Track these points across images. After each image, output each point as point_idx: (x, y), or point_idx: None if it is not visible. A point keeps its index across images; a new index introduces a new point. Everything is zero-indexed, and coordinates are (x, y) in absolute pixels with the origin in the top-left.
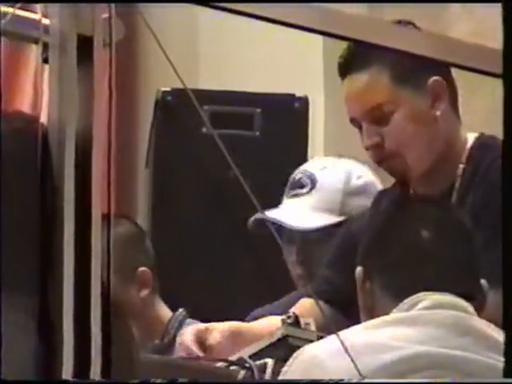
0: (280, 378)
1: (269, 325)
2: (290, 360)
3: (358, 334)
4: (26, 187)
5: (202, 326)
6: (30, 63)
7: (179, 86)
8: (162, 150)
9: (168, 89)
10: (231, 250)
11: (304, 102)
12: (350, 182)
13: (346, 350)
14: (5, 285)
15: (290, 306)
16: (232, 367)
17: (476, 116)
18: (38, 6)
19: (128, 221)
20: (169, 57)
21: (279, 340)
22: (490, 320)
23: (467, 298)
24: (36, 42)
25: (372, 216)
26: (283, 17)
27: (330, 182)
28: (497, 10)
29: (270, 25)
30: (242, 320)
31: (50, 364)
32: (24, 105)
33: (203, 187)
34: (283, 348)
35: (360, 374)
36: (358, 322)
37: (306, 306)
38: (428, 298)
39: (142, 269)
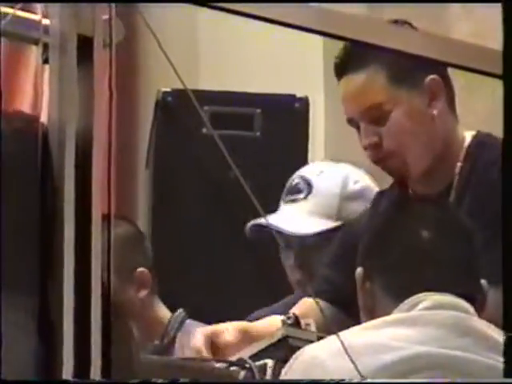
0: (280, 378)
1: (273, 324)
2: (291, 361)
3: (358, 335)
4: (26, 187)
5: (212, 328)
6: (30, 64)
7: (179, 86)
8: (162, 150)
9: (168, 89)
10: (231, 250)
11: (304, 102)
12: (347, 186)
13: (346, 350)
14: (5, 285)
15: (291, 307)
16: (232, 368)
17: (476, 116)
18: (39, 7)
19: (126, 222)
20: (169, 57)
21: (279, 341)
22: (490, 319)
23: (467, 298)
24: (36, 42)
25: (371, 216)
26: (282, 17)
27: (327, 187)
28: (497, 10)
29: (270, 25)
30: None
31: (51, 364)
32: (24, 105)
33: (203, 188)
34: (283, 349)
35: (360, 375)
36: (360, 320)
37: (306, 306)
38: (428, 299)
39: (140, 269)
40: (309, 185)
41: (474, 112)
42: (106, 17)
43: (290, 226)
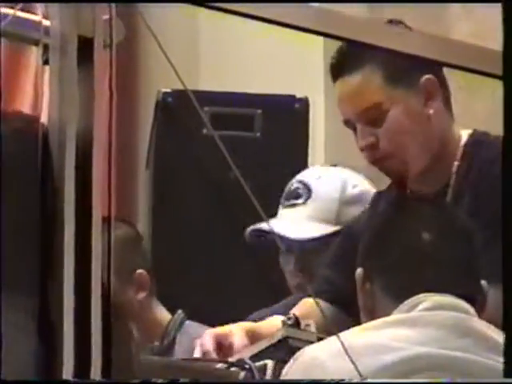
0: (280, 379)
1: (280, 324)
2: (291, 361)
3: (358, 335)
4: (26, 188)
5: (219, 329)
6: (30, 64)
7: (180, 87)
8: (162, 151)
9: (168, 90)
10: (231, 250)
11: (304, 103)
12: (346, 191)
13: (346, 351)
14: (5, 285)
15: (291, 308)
16: (232, 368)
17: (476, 117)
18: (39, 7)
19: (125, 223)
20: (169, 58)
21: (279, 341)
22: (490, 320)
23: (468, 299)
24: (36, 43)
25: (370, 217)
26: (281, 17)
27: (326, 192)
28: (497, 10)
29: (270, 26)
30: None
31: (51, 364)
32: (24, 106)
33: (203, 188)
34: (283, 349)
35: (360, 375)
36: (360, 321)
37: (307, 307)
38: (428, 299)
39: (139, 271)
40: (308, 189)
41: (474, 112)
42: (106, 17)
43: (289, 231)
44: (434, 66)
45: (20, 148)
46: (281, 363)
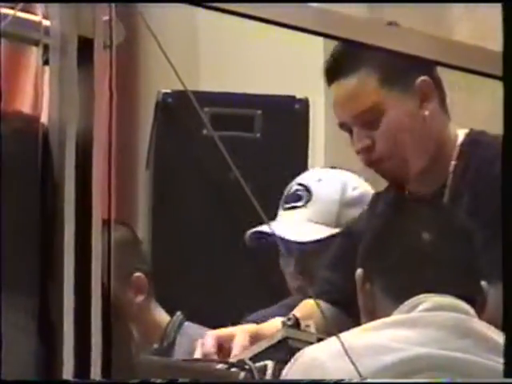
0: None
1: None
2: (291, 362)
3: (358, 336)
4: (26, 187)
5: (222, 331)
6: (30, 65)
7: (180, 87)
8: (162, 151)
9: (168, 90)
10: (231, 251)
11: (304, 103)
12: (346, 193)
13: (346, 351)
14: (5, 285)
15: (290, 309)
16: (232, 369)
17: (476, 118)
18: (39, 8)
19: (123, 226)
20: (169, 58)
21: (279, 342)
22: (490, 319)
23: (468, 299)
24: (36, 43)
25: (369, 218)
26: (280, 18)
27: (327, 194)
28: (497, 10)
29: (270, 26)
30: (234, 324)
31: (51, 364)
32: (24, 106)
33: (203, 189)
34: (283, 350)
35: (360, 376)
36: (361, 321)
37: (308, 308)
38: (428, 300)
39: (137, 274)
40: (308, 192)
41: (475, 113)
42: (106, 18)
43: (290, 233)
44: (429, 68)
45: (20, 148)
46: (281, 364)
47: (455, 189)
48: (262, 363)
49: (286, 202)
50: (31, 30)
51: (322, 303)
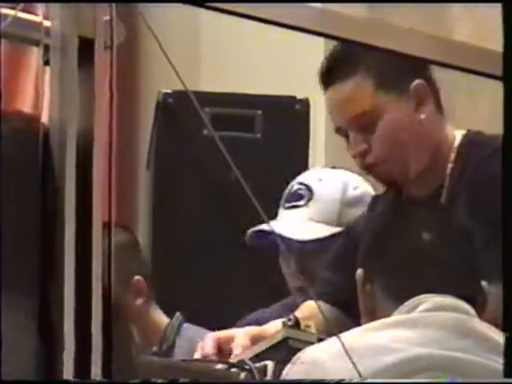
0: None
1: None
2: (291, 362)
3: (358, 336)
4: (27, 187)
5: (222, 333)
6: (31, 65)
7: (180, 87)
8: (162, 151)
9: (169, 91)
10: (231, 251)
11: (305, 103)
12: (347, 192)
13: (346, 352)
14: (6, 285)
15: (289, 309)
16: (232, 369)
17: (477, 118)
18: (40, 8)
19: (122, 230)
20: (170, 59)
21: (279, 342)
22: (491, 319)
23: (468, 299)
24: (37, 44)
25: (369, 219)
26: (281, 18)
27: (328, 193)
28: (498, 10)
29: (270, 26)
30: (234, 324)
31: (51, 364)
32: (25, 106)
33: (204, 189)
34: (284, 350)
35: (360, 376)
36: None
37: (309, 310)
38: (429, 300)
39: (136, 278)
40: (309, 191)
41: (475, 113)
42: (106, 18)
43: (292, 232)
44: (424, 70)
45: (21, 148)
46: (281, 364)
47: (452, 190)
48: (262, 363)
49: (287, 201)
50: (32, 31)
51: (323, 304)
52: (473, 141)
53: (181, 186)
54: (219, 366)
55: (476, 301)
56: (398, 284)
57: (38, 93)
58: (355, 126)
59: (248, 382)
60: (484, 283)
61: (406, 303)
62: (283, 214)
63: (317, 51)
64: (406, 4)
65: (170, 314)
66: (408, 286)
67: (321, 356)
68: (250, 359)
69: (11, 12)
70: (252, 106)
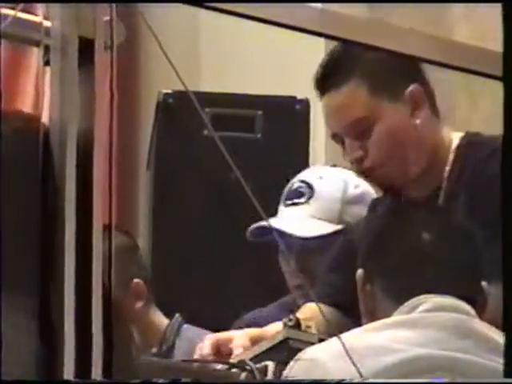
0: None
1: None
2: (292, 363)
3: (359, 337)
4: (27, 187)
5: (220, 335)
6: (31, 65)
7: (181, 88)
8: (163, 152)
9: (169, 91)
10: (232, 251)
11: (305, 104)
12: (348, 191)
13: (347, 352)
14: (6, 285)
15: (287, 308)
16: (233, 370)
17: (477, 118)
18: (40, 8)
19: (122, 233)
20: (170, 59)
21: (280, 342)
22: (491, 320)
23: (468, 300)
24: (37, 44)
25: (369, 221)
26: (281, 18)
27: (329, 191)
28: (498, 11)
29: (270, 26)
30: (231, 324)
31: (52, 364)
32: (25, 106)
33: (204, 189)
34: (284, 351)
35: (361, 376)
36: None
37: (310, 310)
38: (429, 301)
39: (136, 281)
40: (310, 188)
41: (476, 113)
42: (107, 18)
43: (292, 228)
44: (419, 75)
45: (21, 148)
46: (282, 364)
47: (450, 192)
48: (262, 364)
49: (288, 199)
50: (32, 31)
51: (324, 307)
52: (471, 142)
53: (181, 186)
54: (220, 367)
55: (476, 301)
56: (398, 284)
57: (39, 93)
58: (351, 133)
59: (248, 382)
60: (484, 283)
61: (406, 304)
62: (283, 211)
63: (317, 51)
64: (406, 4)
65: (169, 314)
66: (408, 287)
67: (321, 356)
68: (251, 360)
69: (11, 12)
70: (252, 107)
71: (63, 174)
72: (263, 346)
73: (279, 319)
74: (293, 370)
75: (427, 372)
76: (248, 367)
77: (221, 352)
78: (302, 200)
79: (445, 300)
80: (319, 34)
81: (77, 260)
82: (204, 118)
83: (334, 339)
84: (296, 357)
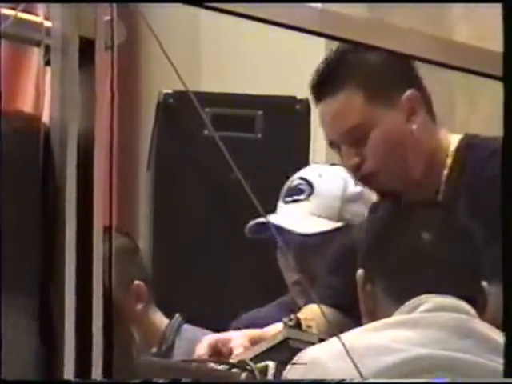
0: None
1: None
2: (292, 362)
3: (359, 337)
4: (27, 187)
5: (218, 335)
6: (32, 65)
7: (181, 88)
8: (163, 152)
9: (170, 91)
10: (232, 252)
11: (305, 104)
12: (348, 188)
13: (347, 352)
14: (6, 285)
15: (285, 307)
16: (233, 370)
17: (478, 118)
18: (41, 8)
19: (122, 234)
20: (170, 59)
21: (280, 342)
22: (492, 319)
23: (469, 300)
24: (38, 44)
25: (370, 222)
26: (281, 18)
27: (328, 189)
28: (498, 11)
29: (271, 27)
30: (230, 324)
31: (52, 364)
32: (26, 106)
33: (205, 189)
34: (284, 350)
35: (361, 376)
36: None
37: (311, 311)
38: (430, 301)
39: (136, 283)
40: (310, 186)
41: (475, 114)
42: (107, 18)
43: (292, 224)
44: (414, 80)
45: (22, 147)
46: (282, 364)
47: (448, 194)
48: (263, 364)
49: (287, 196)
50: (32, 31)
51: (326, 308)
52: (470, 144)
53: (181, 186)
54: (221, 367)
55: (476, 301)
56: (399, 284)
57: (39, 93)
58: (347, 140)
59: (248, 382)
60: (484, 283)
61: (406, 303)
62: (283, 207)
63: (317, 51)
64: (406, 4)
65: (170, 314)
66: (409, 287)
67: (321, 356)
68: (251, 360)
69: (12, 12)
70: (252, 107)
71: (64, 173)
72: (263, 346)
73: (277, 319)
74: (293, 371)
75: (428, 372)
76: (248, 367)
77: (219, 352)
78: (302, 197)
79: (445, 300)
80: (319, 34)
81: (77, 260)
82: (204, 118)
83: (335, 339)
84: (296, 357)
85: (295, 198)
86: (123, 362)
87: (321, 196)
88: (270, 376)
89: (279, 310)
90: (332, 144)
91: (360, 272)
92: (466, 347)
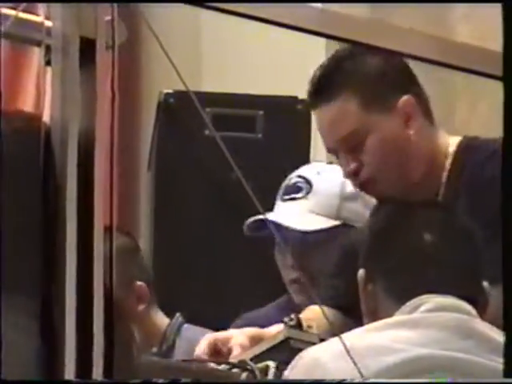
0: None
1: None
2: (292, 362)
3: (360, 337)
4: (28, 187)
5: (218, 334)
6: (32, 65)
7: (182, 88)
8: (164, 152)
9: (170, 91)
10: (233, 251)
11: (306, 104)
12: (346, 186)
13: (348, 352)
14: (7, 285)
15: (284, 307)
16: (234, 370)
17: (478, 118)
18: (42, 8)
19: (123, 234)
20: (171, 59)
21: (281, 342)
22: (492, 319)
23: (470, 300)
24: (39, 44)
25: (372, 223)
26: (282, 18)
27: (327, 187)
28: (498, 10)
29: (272, 27)
30: (230, 324)
31: (53, 364)
32: (26, 106)
33: (205, 189)
34: (285, 350)
35: (362, 377)
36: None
37: (313, 312)
38: (430, 301)
39: (138, 283)
40: (309, 184)
41: (475, 116)
42: (108, 18)
43: (291, 222)
44: (410, 85)
45: (22, 147)
46: (283, 364)
47: (447, 197)
48: (263, 364)
49: (286, 194)
50: (33, 31)
51: (327, 309)
52: (469, 145)
53: (182, 186)
54: (221, 367)
55: (477, 301)
56: (400, 284)
57: (40, 92)
58: (344, 147)
59: (249, 382)
60: (485, 283)
61: (407, 303)
62: (281, 205)
63: (318, 51)
64: (407, 4)
65: (170, 314)
66: (410, 287)
67: (322, 356)
68: (252, 360)
69: (13, 12)
70: (253, 107)
71: (64, 173)
72: (264, 346)
73: (277, 319)
74: (293, 371)
75: (428, 372)
76: (249, 367)
77: (219, 351)
78: (301, 195)
79: (446, 300)
80: (319, 34)
81: (78, 260)
82: (205, 118)
83: (335, 339)
84: (297, 357)
85: (293, 195)
86: (124, 362)
87: (319, 194)
88: (270, 376)
89: (278, 310)
90: (330, 150)
91: (361, 272)
92: (467, 347)
